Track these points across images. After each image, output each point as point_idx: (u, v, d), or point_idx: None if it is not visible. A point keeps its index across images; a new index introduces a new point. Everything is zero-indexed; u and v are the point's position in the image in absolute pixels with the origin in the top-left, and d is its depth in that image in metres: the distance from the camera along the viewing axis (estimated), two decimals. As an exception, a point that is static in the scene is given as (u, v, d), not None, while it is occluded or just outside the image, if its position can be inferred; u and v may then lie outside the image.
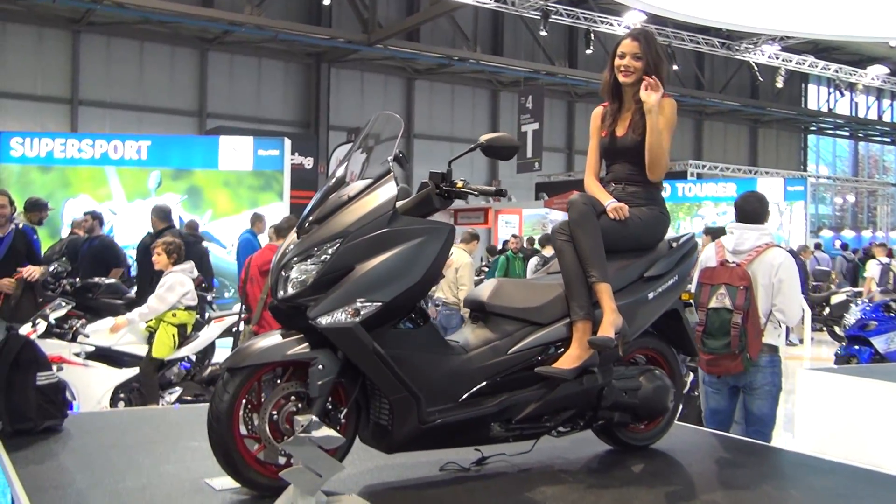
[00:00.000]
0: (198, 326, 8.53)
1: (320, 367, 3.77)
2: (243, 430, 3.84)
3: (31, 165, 15.14)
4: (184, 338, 8.18)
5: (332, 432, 3.74)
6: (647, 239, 4.70)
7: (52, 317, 7.63)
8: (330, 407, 3.90)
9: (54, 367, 7.44)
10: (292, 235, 4.05)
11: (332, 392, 3.93)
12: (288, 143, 15.71)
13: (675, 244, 4.84)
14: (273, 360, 3.78)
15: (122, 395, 7.88)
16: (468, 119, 34.13)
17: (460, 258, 11.78)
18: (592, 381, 4.40)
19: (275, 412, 3.82)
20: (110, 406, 7.79)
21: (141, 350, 8.01)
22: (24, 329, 7.63)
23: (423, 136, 32.72)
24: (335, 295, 3.78)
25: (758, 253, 5.66)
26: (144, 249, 10.17)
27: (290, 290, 3.85)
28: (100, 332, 7.94)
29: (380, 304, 3.82)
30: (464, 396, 4.17)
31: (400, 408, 3.90)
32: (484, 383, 4.22)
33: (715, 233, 10.14)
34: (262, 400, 3.81)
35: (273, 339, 3.86)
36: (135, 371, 7.96)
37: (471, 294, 4.68)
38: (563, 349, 4.36)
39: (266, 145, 15.57)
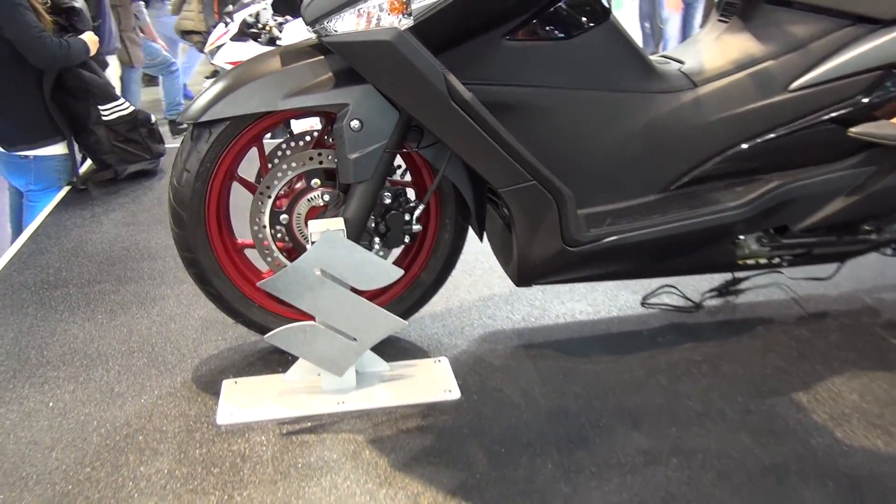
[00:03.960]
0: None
1: (354, 123, 1.79)
2: (241, 238, 2.07)
3: None
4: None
5: (373, 259, 1.83)
6: None
7: (241, 15, 6.18)
8: (391, 199, 1.95)
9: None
10: None
11: (395, 171, 2.00)
12: None
13: None
14: (261, 109, 1.84)
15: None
16: None
17: None
18: None
19: (282, 209, 1.97)
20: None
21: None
22: (217, 32, 6.30)
23: None
24: (356, -31, 1.67)
25: None
26: None
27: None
28: (299, 35, 6.41)
29: (458, -16, 1.65)
30: (679, 180, 1.97)
31: (521, 212, 1.85)
32: (727, 152, 1.97)
33: None
34: (266, 182, 1.96)
35: (286, 61, 1.89)
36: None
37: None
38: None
39: None
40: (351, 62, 1.73)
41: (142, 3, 6.63)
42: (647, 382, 1.96)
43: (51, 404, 1.93)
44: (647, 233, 1.92)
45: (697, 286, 2.43)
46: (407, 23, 1.67)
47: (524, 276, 1.98)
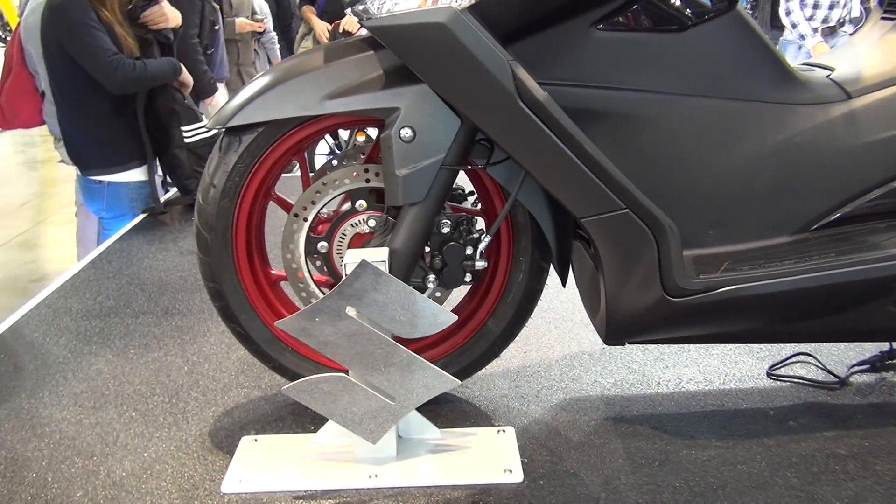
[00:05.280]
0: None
1: (405, 132, 1.45)
2: (277, 268, 1.76)
3: None
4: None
5: (420, 300, 1.47)
6: None
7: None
8: (450, 228, 1.59)
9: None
10: None
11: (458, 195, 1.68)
12: None
13: None
14: (297, 113, 1.54)
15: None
16: None
17: None
18: None
19: (322, 236, 1.65)
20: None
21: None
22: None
23: None
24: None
25: None
26: None
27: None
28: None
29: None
30: (823, 218, 1.53)
31: (610, 248, 1.46)
32: (892, 184, 1.52)
33: None
34: (302, 201, 1.65)
35: (330, 57, 1.57)
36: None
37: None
38: None
39: None
40: (397, 52, 1.40)
41: (264, 39, 6.62)
42: (770, 480, 1.49)
43: (45, 451, 1.65)
44: (778, 284, 1.47)
45: (842, 356, 1.94)
46: (466, 1, 1.32)
47: (614, 331, 1.57)
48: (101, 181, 3.24)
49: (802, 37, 5.59)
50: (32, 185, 7.47)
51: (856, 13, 5.58)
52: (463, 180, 1.69)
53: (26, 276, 4.93)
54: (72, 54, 2.97)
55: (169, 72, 3.23)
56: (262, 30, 6.21)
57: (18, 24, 3.18)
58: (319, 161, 5.46)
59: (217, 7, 4.68)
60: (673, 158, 1.49)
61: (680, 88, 1.48)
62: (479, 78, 1.34)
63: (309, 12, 6.12)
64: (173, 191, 3.74)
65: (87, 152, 3.18)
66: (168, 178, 3.57)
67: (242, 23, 5.82)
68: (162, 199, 3.50)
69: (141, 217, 3.36)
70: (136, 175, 3.32)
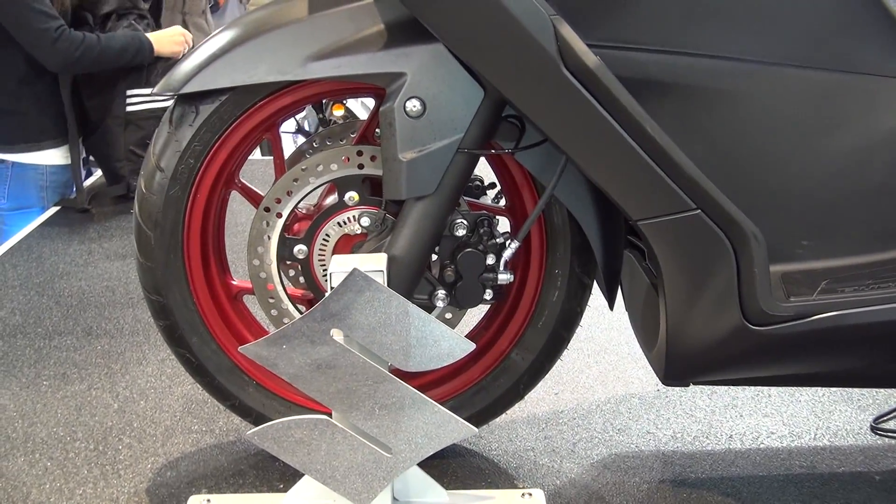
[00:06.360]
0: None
1: (412, 105, 1.49)
2: (240, 278, 1.82)
3: None
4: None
5: (430, 323, 1.51)
6: None
7: None
8: (467, 230, 1.63)
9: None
10: None
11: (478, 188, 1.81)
12: None
13: None
14: (271, 78, 1.58)
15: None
16: None
17: None
18: None
19: (299, 237, 1.69)
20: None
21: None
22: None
23: None
24: None
25: None
26: None
27: None
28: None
29: None
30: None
31: (675, 260, 1.52)
32: None
33: None
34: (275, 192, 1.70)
35: (316, 5, 1.62)
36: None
37: None
38: None
39: None
40: (406, 2, 1.42)
41: None
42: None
43: (-68, 510, 1.67)
44: (891, 311, 1.51)
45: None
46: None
47: (675, 367, 1.61)
48: (2, 161, 3.27)
49: None
50: None
51: None
52: (483, 169, 1.72)
53: None
54: None
55: (131, 49, 3.26)
56: None
57: None
58: (284, 140, 5.53)
59: None
60: (758, 146, 1.53)
61: (769, 55, 1.52)
62: (512, 36, 1.38)
63: None
64: (97, 175, 3.78)
65: None
66: (91, 158, 3.61)
67: None
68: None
69: (53, 210, 3.39)
70: (52, 157, 3.35)
